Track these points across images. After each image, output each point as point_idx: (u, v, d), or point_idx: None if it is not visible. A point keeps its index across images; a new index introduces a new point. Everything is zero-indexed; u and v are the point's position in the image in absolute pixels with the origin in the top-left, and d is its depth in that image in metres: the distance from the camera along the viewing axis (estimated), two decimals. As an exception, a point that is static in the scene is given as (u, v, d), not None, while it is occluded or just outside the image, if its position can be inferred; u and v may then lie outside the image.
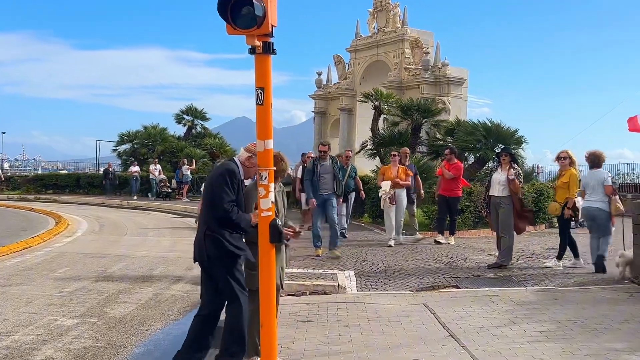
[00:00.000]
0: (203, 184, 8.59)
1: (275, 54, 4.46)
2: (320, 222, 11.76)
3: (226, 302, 5.40)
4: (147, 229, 18.19)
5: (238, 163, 5.38)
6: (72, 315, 7.71)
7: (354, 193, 15.12)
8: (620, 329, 6.49)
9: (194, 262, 5.53)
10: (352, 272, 9.87)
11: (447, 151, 14.41)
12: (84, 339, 6.68)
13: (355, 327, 6.86)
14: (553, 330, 6.45)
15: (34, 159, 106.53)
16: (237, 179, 5.26)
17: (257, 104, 4.45)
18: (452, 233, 14.00)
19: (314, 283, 8.84)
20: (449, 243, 13.57)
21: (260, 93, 4.44)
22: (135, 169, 31.56)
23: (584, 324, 6.71)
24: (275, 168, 4.60)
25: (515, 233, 10.68)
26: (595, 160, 10.31)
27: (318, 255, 11.26)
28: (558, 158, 10.81)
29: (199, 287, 9.79)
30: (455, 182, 13.74)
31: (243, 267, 5.42)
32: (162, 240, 15.43)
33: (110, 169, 33.62)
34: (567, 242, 10.71)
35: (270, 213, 4.54)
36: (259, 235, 4.56)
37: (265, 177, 4.51)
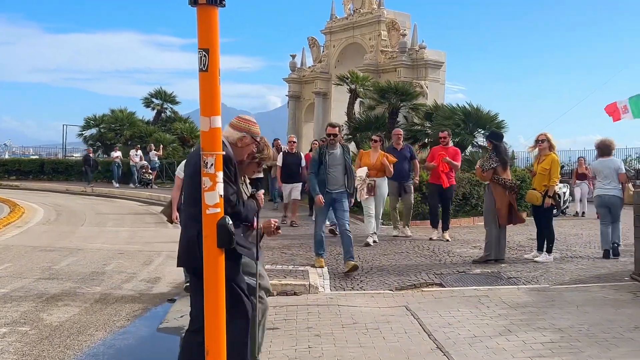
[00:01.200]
0: (179, 170, 7.69)
1: (224, 5, 3.46)
2: (324, 226, 9.45)
3: (228, 313, 4.46)
4: (107, 218, 17.07)
5: (227, 144, 4.40)
6: (0, 322, 6.66)
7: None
8: (633, 339, 5.63)
9: (178, 267, 4.51)
10: (325, 269, 8.93)
11: (444, 133, 12.54)
12: (7, 355, 5.63)
13: (327, 336, 5.93)
14: (557, 342, 5.57)
15: (4, 144, 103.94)
16: (233, 165, 4.24)
17: (200, 69, 3.46)
18: (446, 228, 12.28)
19: (283, 282, 7.89)
20: (447, 240, 11.91)
21: (204, 56, 3.44)
22: (116, 154, 29.57)
23: (590, 332, 5.84)
24: (223, 152, 3.60)
25: (501, 224, 9.76)
26: (605, 149, 10.40)
27: (321, 267, 8.89)
28: (536, 141, 9.93)
29: (154, 286, 9.02)
30: (450, 168, 12.08)
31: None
32: (120, 231, 14.33)
33: (91, 155, 30.82)
34: (553, 233, 9.91)
35: (218, 210, 3.56)
36: (204, 239, 3.58)
37: (212, 165, 3.52)
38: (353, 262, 8.62)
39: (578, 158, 21.67)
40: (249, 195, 4.58)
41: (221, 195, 3.57)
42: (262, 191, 10.19)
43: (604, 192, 10.21)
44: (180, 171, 7.50)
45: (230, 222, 3.60)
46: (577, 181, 19.18)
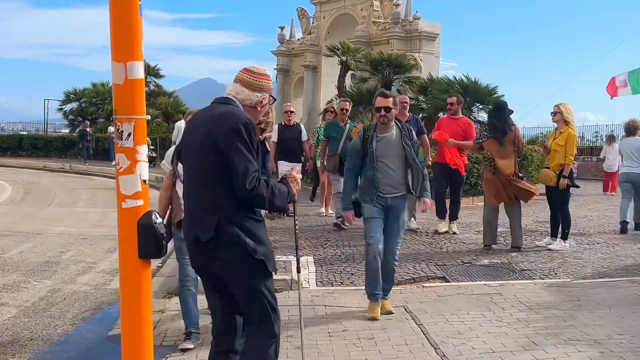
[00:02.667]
0: (164, 163, 5.28)
1: None
2: (379, 247, 5.65)
3: (252, 330, 3.41)
4: (79, 198, 15.84)
5: (239, 106, 3.37)
6: None
7: None
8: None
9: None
10: (310, 259, 7.80)
11: (452, 99, 9.95)
12: None
13: (311, 348, 4.80)
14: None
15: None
16: (255, 135, 3.25)
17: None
18: (454, 218, 10.00)
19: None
20: (454, 233, 9.80)
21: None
22: (113, 129, 27.92)
23: (636, 346, 4.74)
24: (147, 117, 2.44)
25: (490, 205, 8.59)
26: (630, 129, 10.64)
27: (374, 318, 5.59)
28: (551, 114, 8.82)
29: (114, 279, 7.69)
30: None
31: None
32: (90, 213, 13.12)
33: (88, 129, 28.70)
34: (570, 218, 8.80)
35: (141, 202, 2.40)
36: (119, 242, 2.43)
37: (129, 135, 2.36)
38: (388, 304, 5.85)
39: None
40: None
41: (145, 181, 2.41)
42: (297, 168, 8.15)
43: (631, 170, 10.42)
44: (166, 163, 5.13)
45: (159, 220, 2.43)
46: None
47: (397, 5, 28.46)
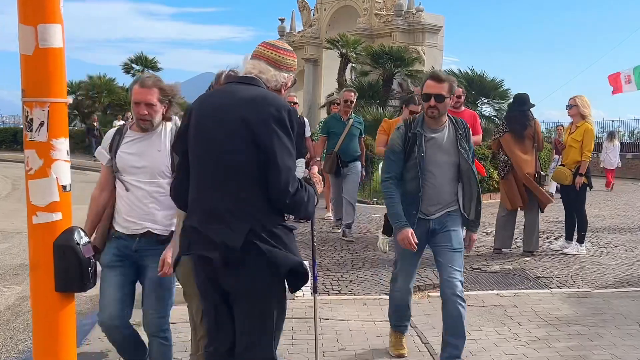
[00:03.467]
0: (113, 134, 3.74)
1: None
2: (412, 283, 4.69)
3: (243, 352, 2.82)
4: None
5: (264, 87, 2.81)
6: None
7: (357, 164, 8.91)
8: None
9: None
10: (306, 264, 7.16)
11: (459, 91, 7.96)
12: None
13: (302, 372, 4.19)
14: (633, 392, 3.85)
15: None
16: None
17: None
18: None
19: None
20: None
21: None
22: (120, 122, 27.09)
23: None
24: (68, 100, 1.81)
25: (505, 207, 7.95)
26: None
27: (401, 356, 4.58)
28: (567, 107, 8.19)
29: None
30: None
31: None
32: (76, 209, 12.28)
33: (96, 124, 27.02)
34: (586, 219, 8.18)
35: (58, 215, 1.78)
36: (30, 271, 1.81)
37: (41, 124, 1.73)
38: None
39: (557, 126, 19.75)
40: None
41: (64, 187, 1.78)
42: (315, 168, 7.44)
43: None
44: (104, 151, 3.64)
45: (84, 239, 1.82)
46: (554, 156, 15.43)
47: (400, -3, 27.86)
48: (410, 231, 4.04)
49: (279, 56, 2.77)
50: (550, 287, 6.38)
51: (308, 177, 2.92)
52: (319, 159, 8.82)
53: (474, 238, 4.38)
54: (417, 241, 4.06)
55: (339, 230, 8.95)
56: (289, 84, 2.83)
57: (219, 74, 3.38)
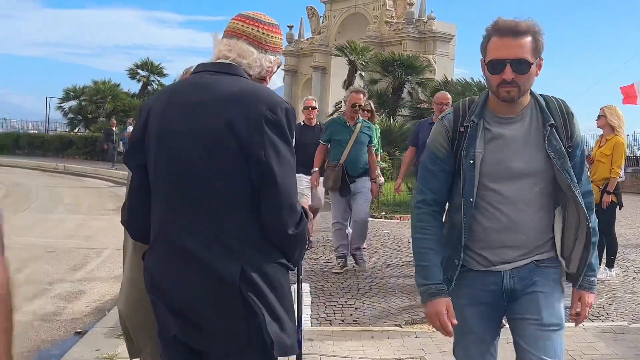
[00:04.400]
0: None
1: None
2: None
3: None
4: (61, 202, 14.62)
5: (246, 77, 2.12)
6: None
7: (367, 179, 7.18)
8: None
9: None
10: (307, 286, 6.48)
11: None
12: None
13: None
14: None
15: (3, 118, 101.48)
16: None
17: None
18: None
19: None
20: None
21: None
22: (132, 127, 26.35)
23: None
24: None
25: None
26: None
27: None
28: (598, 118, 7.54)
29: (70, 305, 6.12)
30: None
31: None
32: (68, 220, 11.84)
33: (114, 129, 25.59)
34: (616, 241, 7.47)
35: None
36: None
37: None
38: None
39: None
40: None
41: None
42: (320, 188, 7.14)
43: None
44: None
45: None
46: None
47: (411, 4, 27.39)
48: (445, 302, 2.28)
49: (263, 33, 2.06)
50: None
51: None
52: (316, 169, 7.21)
53: (587, 302, 2.48)
54: (455, 322, 2.27)
55: (342, 271, 7.24)
56: (274, 70, 2.11)
57: (187, 69, 2.67)
